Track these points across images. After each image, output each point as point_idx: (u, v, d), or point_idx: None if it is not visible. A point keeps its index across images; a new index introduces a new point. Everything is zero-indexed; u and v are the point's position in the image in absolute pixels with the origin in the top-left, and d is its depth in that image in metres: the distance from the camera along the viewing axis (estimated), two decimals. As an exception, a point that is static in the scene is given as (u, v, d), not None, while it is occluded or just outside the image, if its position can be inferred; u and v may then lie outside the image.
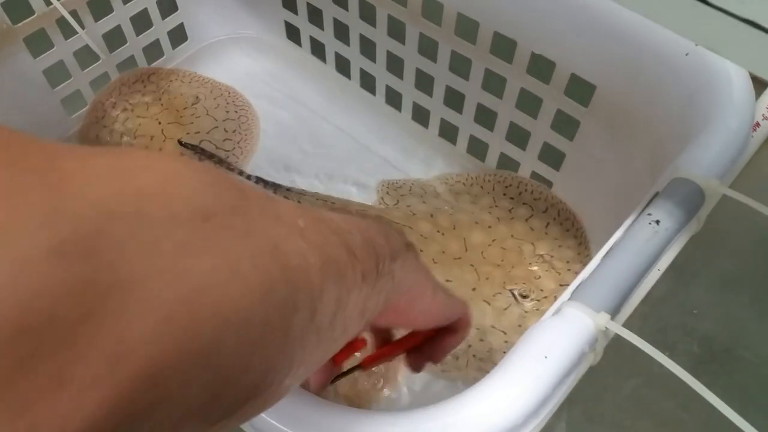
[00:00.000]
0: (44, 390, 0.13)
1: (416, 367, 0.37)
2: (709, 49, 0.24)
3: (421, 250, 0.60)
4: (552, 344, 0.31)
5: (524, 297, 0.56)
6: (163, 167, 0.16)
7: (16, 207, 0.13)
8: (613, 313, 0.33)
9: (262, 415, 0.29)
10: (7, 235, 0.13)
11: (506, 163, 0.65)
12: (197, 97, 0.73)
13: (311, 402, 0.30)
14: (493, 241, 0.60)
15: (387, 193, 0.66)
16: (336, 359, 0.33)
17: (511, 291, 0.56)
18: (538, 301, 0.56)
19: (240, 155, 0.69)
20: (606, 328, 0.32)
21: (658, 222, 0.35)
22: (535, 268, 0.58)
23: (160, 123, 0.71)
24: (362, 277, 0.23)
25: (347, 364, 0.34)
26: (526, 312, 0.56)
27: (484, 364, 0.54)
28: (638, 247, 0.34)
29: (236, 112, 0.73)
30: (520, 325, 0.55)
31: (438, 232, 0.61)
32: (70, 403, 0.13)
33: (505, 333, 0.55)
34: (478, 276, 0.58)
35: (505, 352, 0.36)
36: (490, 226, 0.61)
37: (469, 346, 0.55)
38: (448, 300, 0.32)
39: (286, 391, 0.20)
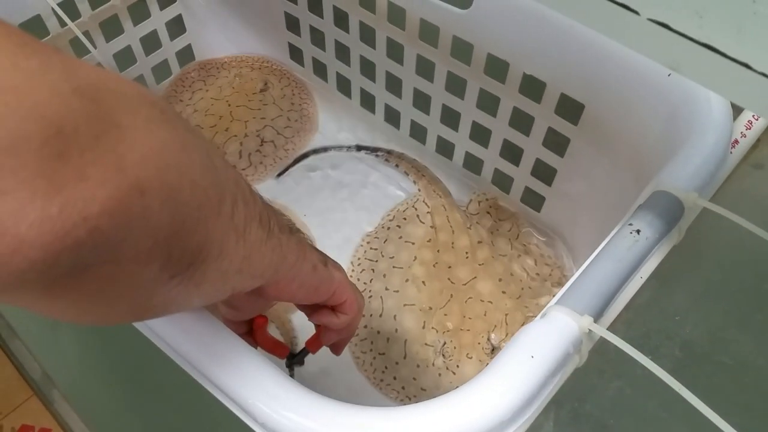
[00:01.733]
0: (73, 178, 0.19)
1: (334, 352, 0.45)
2: (676, 72, 0.26)
3: (438, 250, 0.62)
4: (538, 345, 0.33)
5: (444, 355, 0.56)
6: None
7: (45, 61, 0.19)
8: (597, 316, 0.35)
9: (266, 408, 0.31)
10: (43, 75, 0.19)
11: (500, 178, 0.67)
12: (266, 83, 0.79)
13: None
14: (490, 302, 0.59)
15: (480, 201, 0.68)
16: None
17: (442, 342, 0.57)
18: (446, 368, 0.56)
19: (298, 141, 0.75)
20: (590, 330, 0.34)
21: (638, 231, 0.37)
22: (484, 355, 0.57)
23: (229, 105, 0.77)
24: (259, 219, 0.29)
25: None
26: (430, 364, 0.56)
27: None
28: (620, 254, 0.36)
29: (299, 104, 0.78)
30: (418, 365, 0.57)
31: (466, 254, 0.62)
32: (88, 192, 0.19)
33: (410, 363, 0.57)
34: (442, 306, 0.59)
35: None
36: (504, 292, 0.60)
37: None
38: (330, 277, 0.38)
39: (214, 286, 0.27)
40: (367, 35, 0.67)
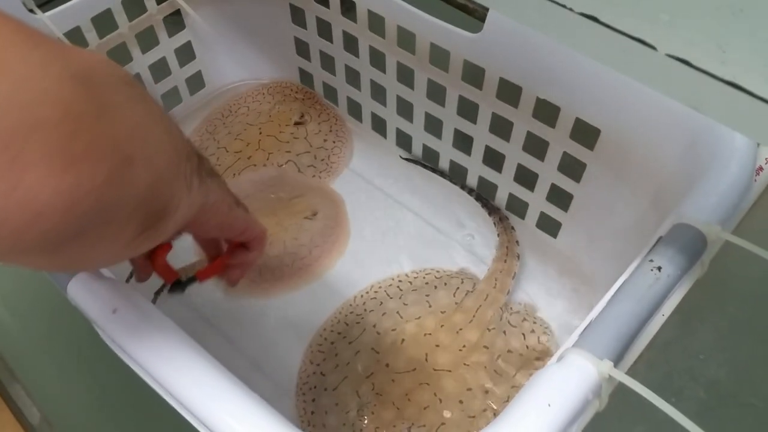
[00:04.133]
0: (82, 154, 0.22)
1: (230, 282, 0.46)
2: (699, 112, 0.25)
3: (441, 325, 0.58)
4: (555, 392, 0.32)
5: (359, 413, 0.53)
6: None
7: (47, 51, 0.22)
8: (617, 359, 0.33)
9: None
10: (48, 65, 0.21)
11: (515, 203, 0.65)
12: (303, 115, 0.76)
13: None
14: (440, 401, 0.53)
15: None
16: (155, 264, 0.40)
17: (368, 402, 0.54)
18: (351, 426, 0.53)
19: (315, 183, 0.72)
20: (609, 375, 0.32)
21: (660, 268, 0.35)
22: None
23: (261, 132, 0.75)
24: (198, 170, 0.33)
25: (183, 277, 0.43)
26: (344, 412, 0.54)
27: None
28: (640, 294, 0.35)
29: (333, 142, 0.75)
30: (336, 404, 0.55)
31: (462, 347, 0.56)
32: (94, 167, 0.22)
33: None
34: (396, 371, 0.55)
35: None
36: (461, 401, 0.53)
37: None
38: (244, 216, 0.41)
39: (170, 231, 0.30)
40: (378, 59, 0.66)
